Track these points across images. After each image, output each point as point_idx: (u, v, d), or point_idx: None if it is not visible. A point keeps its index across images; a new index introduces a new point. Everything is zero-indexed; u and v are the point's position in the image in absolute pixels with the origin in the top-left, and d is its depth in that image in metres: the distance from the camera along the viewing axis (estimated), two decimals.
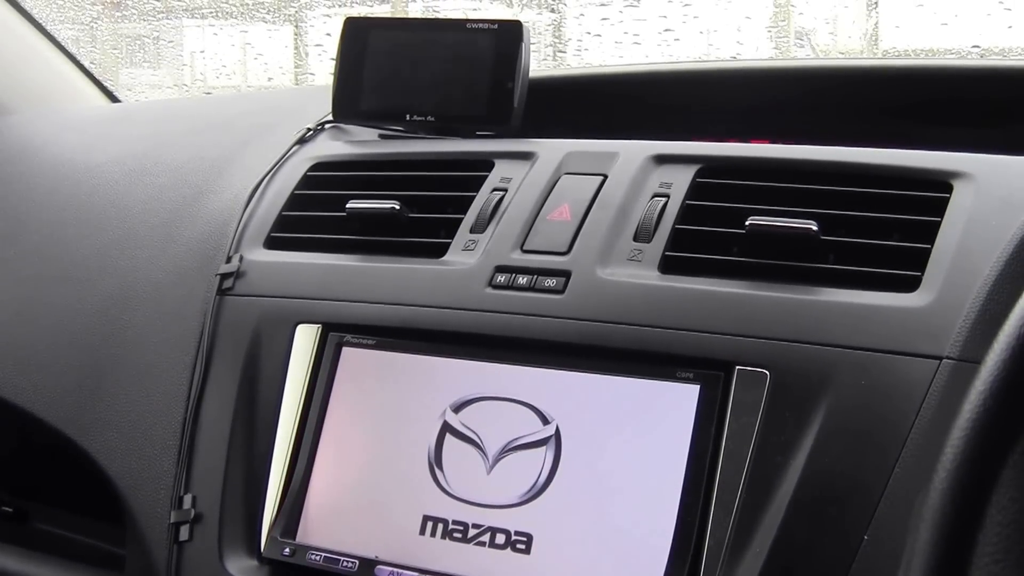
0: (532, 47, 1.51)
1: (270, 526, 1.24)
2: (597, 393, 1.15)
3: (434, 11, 2.70)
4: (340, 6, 2.85)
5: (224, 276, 1.39)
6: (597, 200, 1.29)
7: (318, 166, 1.50)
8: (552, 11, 2.51)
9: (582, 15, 2.46)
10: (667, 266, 1.20)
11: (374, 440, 1.23)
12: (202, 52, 3.01)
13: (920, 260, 1.11)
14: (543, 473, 1.14)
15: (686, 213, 1.25)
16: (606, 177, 1.31)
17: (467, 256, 1.29)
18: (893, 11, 2.18)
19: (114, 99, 2.20)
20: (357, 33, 1.58)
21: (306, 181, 1.48)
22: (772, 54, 2.21)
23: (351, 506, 1.21)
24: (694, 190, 1.27)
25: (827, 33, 2.29)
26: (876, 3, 2.20)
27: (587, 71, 1.91)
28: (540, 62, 2.29)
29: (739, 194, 1.24)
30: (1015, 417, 0.63)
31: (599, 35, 2.33)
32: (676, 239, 1.22)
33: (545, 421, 1.16)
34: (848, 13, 2.25)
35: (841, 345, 1.07)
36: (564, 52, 2.43)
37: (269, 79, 2.82)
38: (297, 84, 2.76)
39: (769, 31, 2.23)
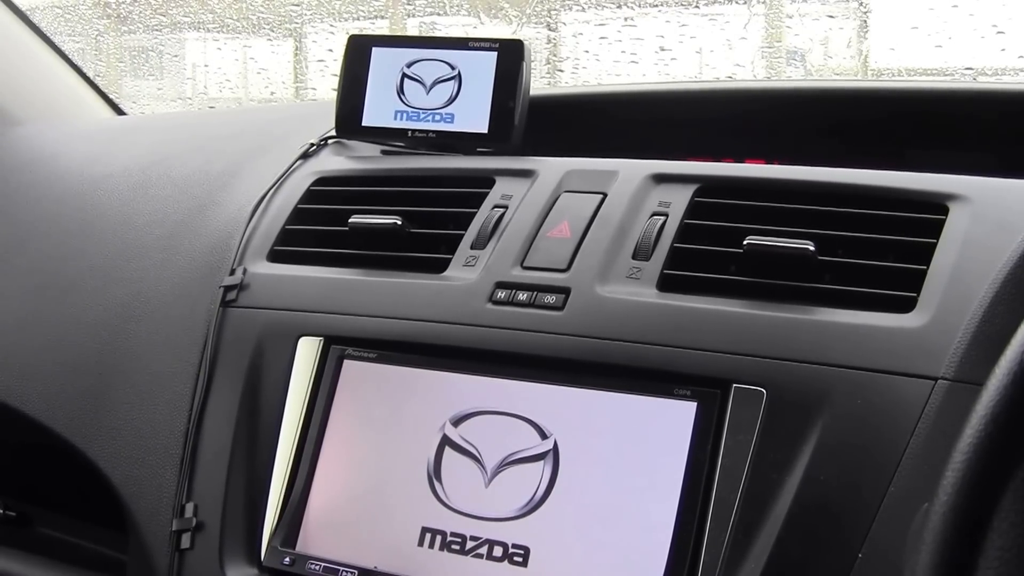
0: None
1: (270, 535, 1.25)
2: (595, 409, 1.16)
3: (432, 27, 2.71)
4: (339, 21, 2.85)
5: (227, 288, 1.39)
6: (597, 218, 1.30)
7: (321, 181, 1.51)
8: (550, 29, 2.53)
9: (580, 34, 2.47)
10: (665, 284, 1.21)
11: (374, 452, 1.24)
12: (205, 66, 3.02)
13: (916, 281, 1.12)
14: (541, 487, 1.15)
15: (684, 232, 1.26)
16: (606, 195, 1.32)
17: (468, 272, 1.30)
18: (888, 33, 2.19)
19: (120, 112, 2.20)
20: (360, 50, 1.60)
21: (309, 195, 1.49)
22: (765, 74, 2.22)
23: (351, 517, 1.22)
24: (692, 209, 1.28)
25: (822, 54, 2.31)
26: (867, 26, 2.22)
27: (585, 90, 1.91)
28: (538, 79, 2.30)
29: (737, 214, 1.25)
30: (1016, 442, 0.63)
31: (597, 56, 2.34)
32: (674, 257, 1.23)
33: (543, 436, 1.17)
34: (842, 35, 2.26)
35: (837, 364, 1.07)
36: (562, 71, 2.45)
37: (271, 93, 2.83)
38: (297, 98, 2.77)
39: (763, 52, 2.24)
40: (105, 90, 2.19)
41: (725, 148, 1.59)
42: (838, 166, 1.29)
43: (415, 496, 1.20)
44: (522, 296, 1.25)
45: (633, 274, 1.23)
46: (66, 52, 2.14)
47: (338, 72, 1.61)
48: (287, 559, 1.23)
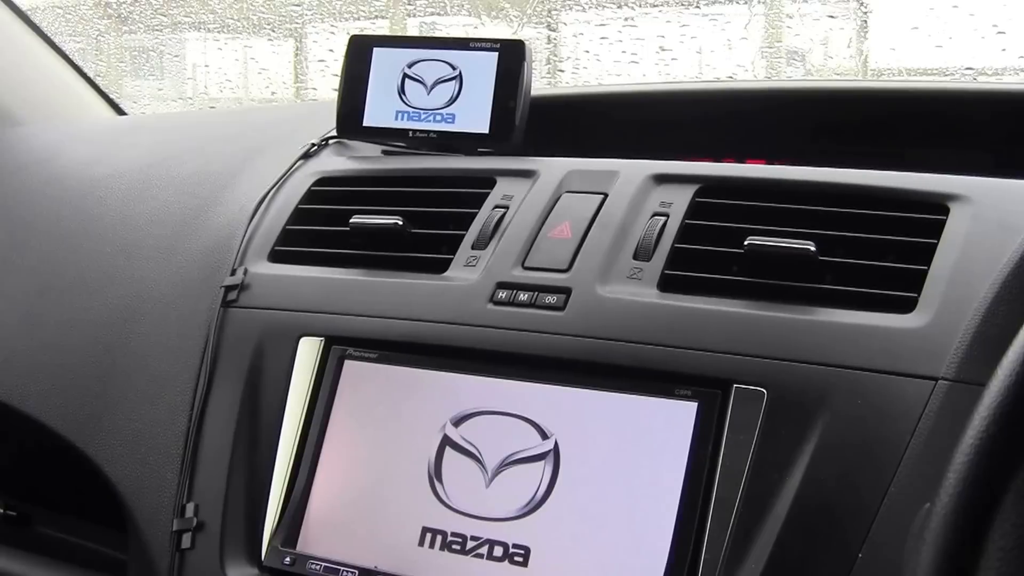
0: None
1: (271, 535, 1.25)
2: (596, 409, 1.16)
3: (433, 27, 2.71)
4: (339, 21, 2.86)
5: (228, 288, 1.39)
6: (597, 218, 1.30)
7: (322, 181, 1.51)
8: (551, 29, 2.53)
9: (581, 34, 2.47)
10: (666, 284, 1.21)
11: (375, 452, 1.24)
12: (206, 66, 3.02)
13: (916, 281, 1.12)
14: (541, 487, 1.15)
15: (685, 232, 1.26)
16: (607, 196, 1.32)
17: (469, 272, 1.30)
18: (888, 33, 2.19)
19: (120, 112, 2.20)
20: (361, 50, 1.60)
21: (310, 195, 1.49)
22: (765, 74, 2.22)
23: (351, 517, 1.22)
24: (693, 209, 1.28)
25: (822, 55, 2.31)
26: (867, 26, 2.22)
27: (586, 90, 1.91)
28: (539, 79, 2.30)
29: (738, 214, 1.25)
30: (1017, 443, 0.63)
31: (598, 56, 2.34)
32: (675, 258, 1.23)
33: (544, 436, 1.17)
34: (842, 35, 2.26)
35: (838, 365, 1.07)
36: (563, 71, 2.45)
37: (272, 93, 2.83)
38: (298, 98, 2.78)
39: (763, 52, 2.24)
40: (106, 90, 2.19)
41: (726, 148, 1.59)
42: (838, 166, 1.29)
43: (416, 496, 1.20)
44: (523, 296, 1.24)
45: (634, 274, 1.23)
46: (67, 52, 2.14)
47: (339, 72, 1.61)
48: (288, 559, 1.23)
